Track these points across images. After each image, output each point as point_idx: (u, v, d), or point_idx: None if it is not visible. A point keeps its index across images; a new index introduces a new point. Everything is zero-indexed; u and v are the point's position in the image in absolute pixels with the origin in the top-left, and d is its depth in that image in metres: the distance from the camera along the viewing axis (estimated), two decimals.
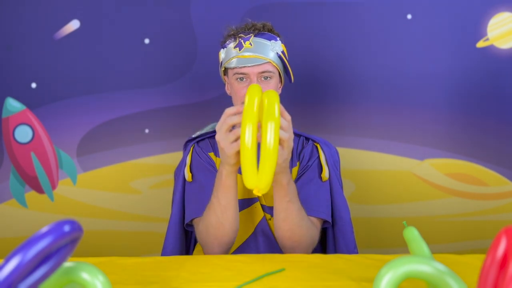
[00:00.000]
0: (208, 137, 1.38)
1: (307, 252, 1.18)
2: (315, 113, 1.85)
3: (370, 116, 1.84)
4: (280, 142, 0.97)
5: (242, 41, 1.26)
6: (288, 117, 1.01)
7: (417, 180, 1.86)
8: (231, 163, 1.04)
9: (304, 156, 1.34)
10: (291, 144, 1.01)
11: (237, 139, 0.99)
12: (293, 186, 1.12)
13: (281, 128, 0.96)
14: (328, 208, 1.29)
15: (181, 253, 1.35)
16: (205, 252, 1.21)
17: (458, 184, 1.86)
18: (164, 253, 1.33)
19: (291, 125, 1.01)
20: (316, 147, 1.35)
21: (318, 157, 1.33)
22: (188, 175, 1.31)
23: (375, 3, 1.81)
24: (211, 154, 1.33)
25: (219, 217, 1.13)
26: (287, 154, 1.01)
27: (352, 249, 1.33)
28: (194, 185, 1.29)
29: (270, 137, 0.87)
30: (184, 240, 1.37)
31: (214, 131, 1.38)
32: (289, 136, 0.99)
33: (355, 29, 1.82)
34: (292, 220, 1.13)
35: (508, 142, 1.84)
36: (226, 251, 1.19)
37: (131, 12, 1.83)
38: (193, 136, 1.39)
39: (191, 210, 1.26)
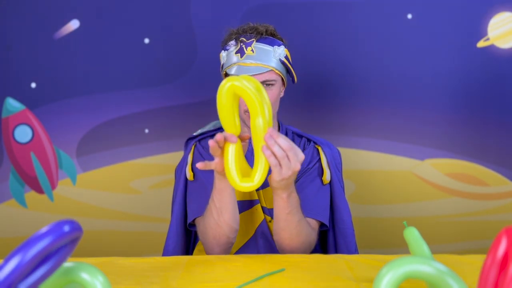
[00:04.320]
0: (209, 136, 1.37)
1: (305, 254, 1.18)
2: (315, 113, 1.84)
3: (371, 116, 1.84)
4: (279, 160, 0.95)
5: (244, 46, 1.23)
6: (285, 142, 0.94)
7: (418, 180, 1.86)
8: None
9: (304, 158, 1.33)
10: (291, 164, 0.96)
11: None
12: (294, 199, 1.10)
13: (274, 147, 0.93)
14: (326, 211, 1.28)
15: (183, 253, 1.35)
16: (206, 251, 1.21)
17: (458, 184, 1.86)
18: (166, 252, 1.32)
19: (290, 146, 0.95)
20: (317, 149, 1.34)
21: (319, 159, 1.32)
22: (189, 174, 1.30)
23: (375, 3, 1.81)
24: None
25: (216, 219, 1.12)
26: (286, 174, 0.96)
27: (353, 252, 1.32)
28: (196, 184, 1.29)
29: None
30: (186, 240, 1.37)
31: (216, 130, 1.37)
32: (284, 155, 0.94)
33: (355, 29, 1.82)
34: (291, 230, 1.12)
35: (508, 142, 1.83)
36: (227, 251, 1.19)
37: (131, 12, 1.83)
38: (194, 134, 1.39)
39: (193, 210, 1.26)
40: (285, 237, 1.14)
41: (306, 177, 1.29)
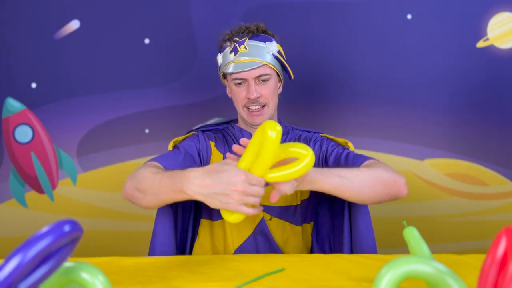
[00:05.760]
0: (212, 129, 1.39)
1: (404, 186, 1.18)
2: (315, 113, 1.84)
3: (370, 116, 1.84)
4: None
5: (237, 45, 1.27)
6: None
7: (417, 180, 1.86)
8: (210, 206, 0.96)
9: (311, 139, 1.33)
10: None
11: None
12: (333, 173, 1.07)
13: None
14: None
15: (173, 248, 1.28)
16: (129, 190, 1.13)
17: (458, 184, 1.86)
18: (153, 246, 1.20)
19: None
20: (325, 137, 1.35)
21: (332, 139, 1.33)
22: (170, 146, 1.30)
23: (375, 3, 1.81)
24: (212, 144, 1.33)
25: (147, 199, 1.06)
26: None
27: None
28: (172, 151, 1.26)
29: None
30: (174, 232, 1.26)
31: (217, 125, 1.40)
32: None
33: (355, 29, 1.82)
34: (362, 185, 1.09)
35: (508, 142, 1.84)
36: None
37: (131, 12, 1.83)
38: (195, 128, 1.41)
39: (159, 160, 1.19)
40: (365, 195, 1.12)
41: (335, 152, 1.27)
